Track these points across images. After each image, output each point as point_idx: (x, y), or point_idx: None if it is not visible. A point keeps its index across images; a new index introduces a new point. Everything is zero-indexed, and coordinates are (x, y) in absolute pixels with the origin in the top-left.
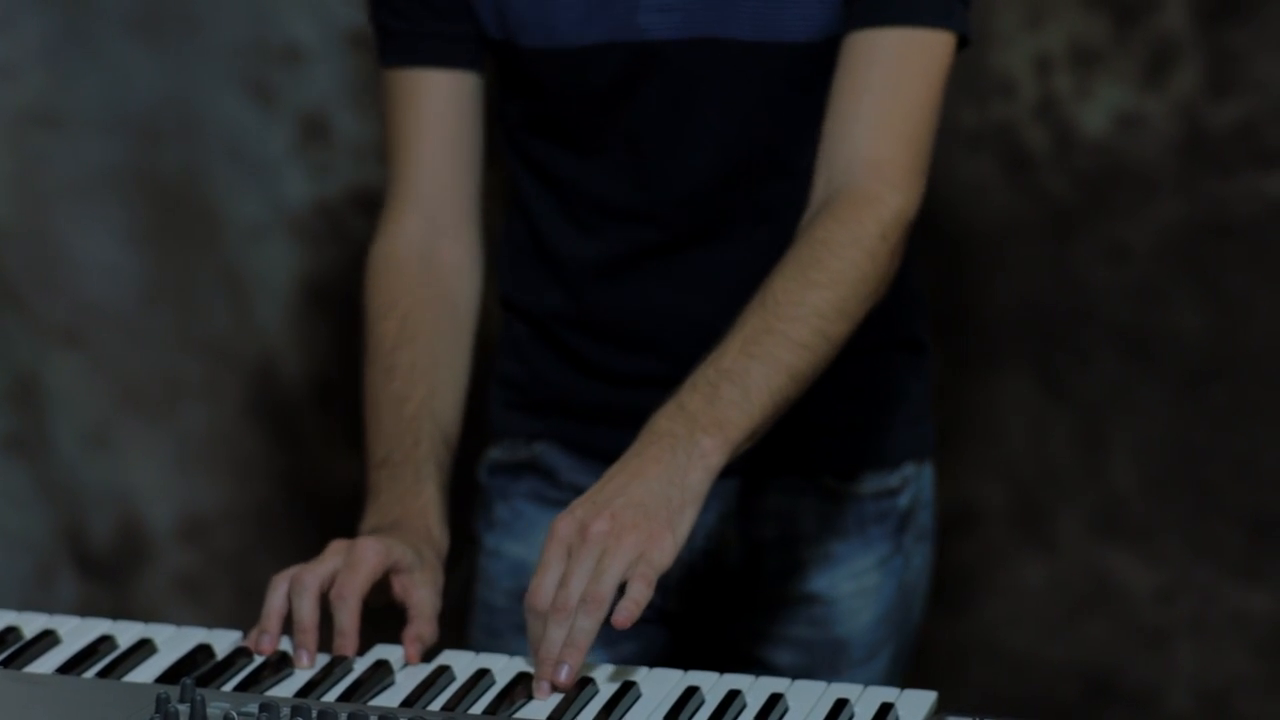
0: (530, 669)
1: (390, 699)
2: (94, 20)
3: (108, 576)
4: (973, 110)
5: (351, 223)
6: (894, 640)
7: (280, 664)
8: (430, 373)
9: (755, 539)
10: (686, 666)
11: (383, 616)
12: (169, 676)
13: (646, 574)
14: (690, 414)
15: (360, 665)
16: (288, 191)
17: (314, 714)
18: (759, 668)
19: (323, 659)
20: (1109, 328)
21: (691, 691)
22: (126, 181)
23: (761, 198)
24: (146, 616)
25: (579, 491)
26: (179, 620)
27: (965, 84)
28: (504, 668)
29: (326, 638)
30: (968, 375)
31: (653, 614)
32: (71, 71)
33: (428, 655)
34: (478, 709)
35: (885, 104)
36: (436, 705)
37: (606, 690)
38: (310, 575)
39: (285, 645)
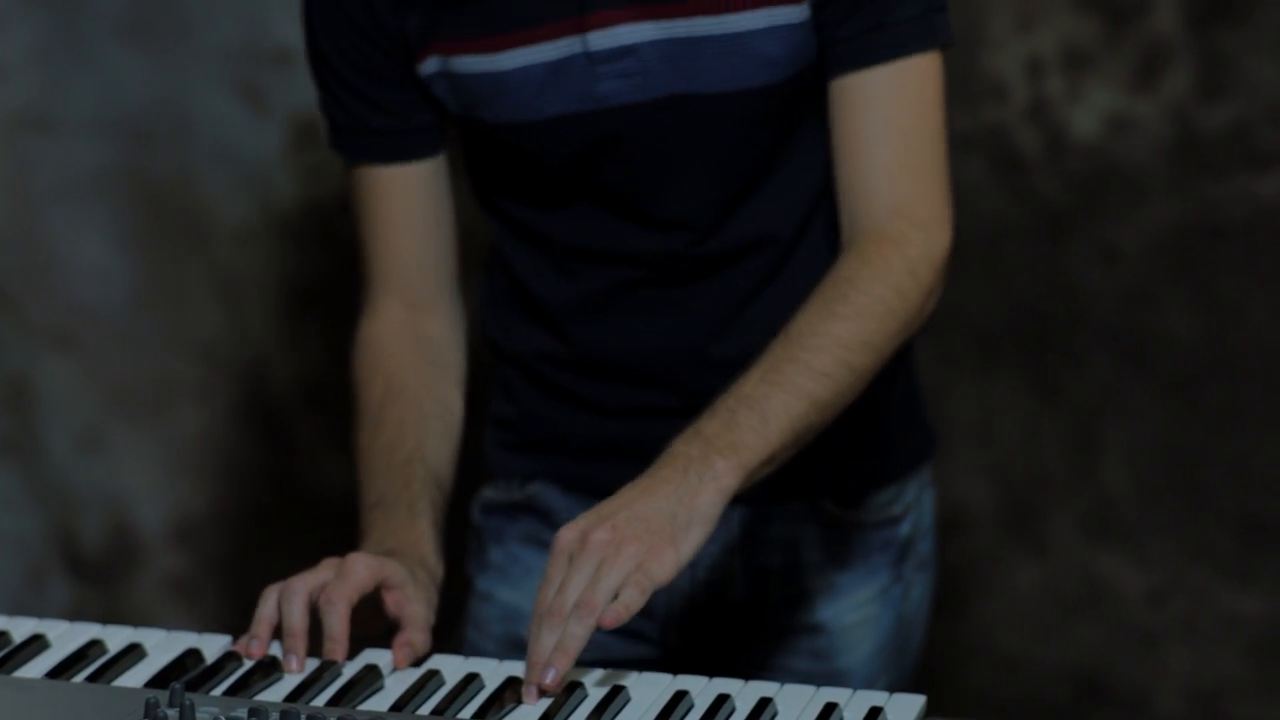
0: (519, 674)
1: (379, 703)
2: (85, 23)
3: (98, 579)
4: (964, 113)
5: (342, 226)
6: (889, 672)
7: (269, 668)
8: (419, 425)
9: (759, 568)
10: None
11: (365, 620)
12: (158, 681)
13: (642, 583)
14: (706, 438)
15: (349, 670)
16: (279, 194)
17: (303, 718)
18: None
19: (312, 663)
20: (1101, 330)
21: (680, 695)
22: (118, 184)
23: (743, 231)
24: (137, 619)
25: None
26: (170, 623)
27: (956, 87)
28: (493, 672)
29: (317, 644)
30: (959, 377)
31: (653, 651)
32: (62, 74)
33: (417, 661)
34: (467, 713)
35: (895, 145)
36: (426, 709)
37: (595, 694)
38: (300, 582)
39: (275, 650)
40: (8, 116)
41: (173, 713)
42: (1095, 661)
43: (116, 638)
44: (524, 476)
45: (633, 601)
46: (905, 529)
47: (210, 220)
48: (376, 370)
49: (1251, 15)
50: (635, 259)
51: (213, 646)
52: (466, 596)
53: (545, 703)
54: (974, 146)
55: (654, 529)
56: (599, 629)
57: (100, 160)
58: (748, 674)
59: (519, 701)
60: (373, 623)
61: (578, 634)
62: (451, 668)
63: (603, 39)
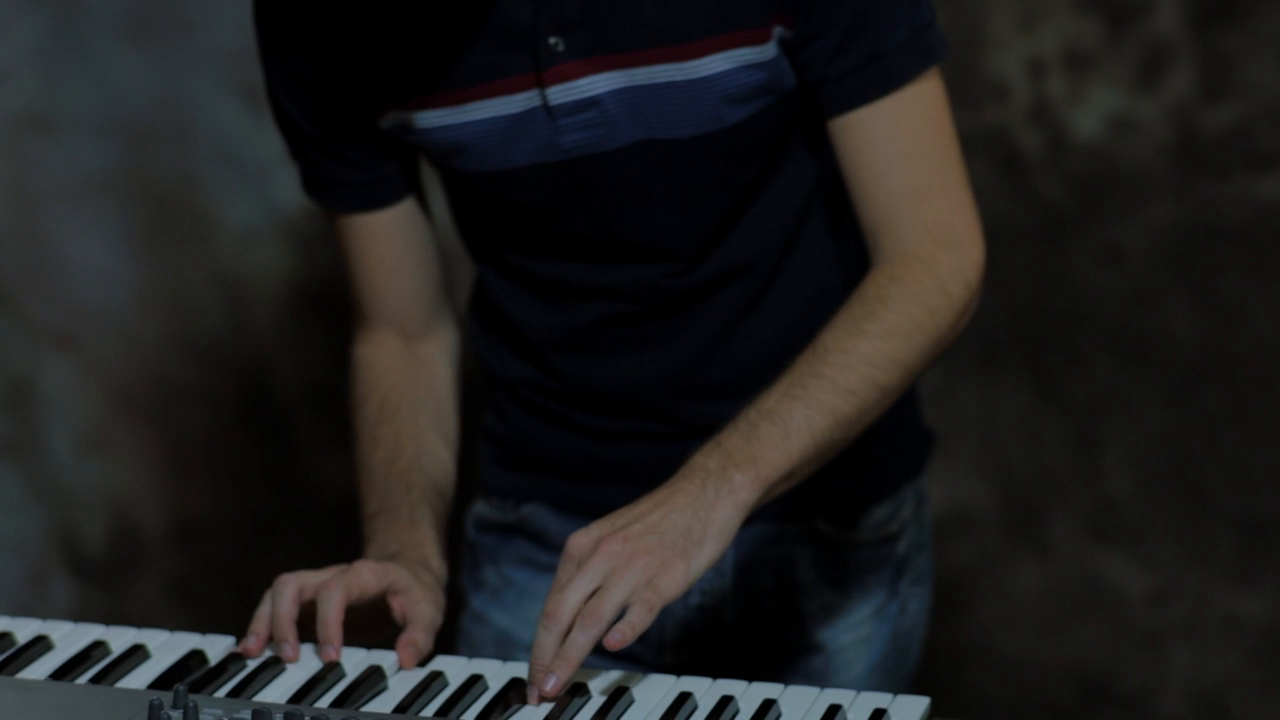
0: (523, 675)
1: (383, 704)
2: (86, 24)
3: (101, 580)
4: (965, 114)
5: None
6: (887, 686)
7: (273, 669)
8: (416, 437)
9: (753, 590)
10: None
11: (374, 627)
12: (162, 682)
13: (650, 600)
14: (726, 451)
15: (353, 671)
16: (280, 195)
17: None
18: None
19: (316, 665)
20: (1102, 330)
21: (684, 697)
22: (119, 185)
23: (725, 260)
24: (140, 620)
25: None
26: (171, 623)
27: (958, 88)
28: (497, 673)
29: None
30: (961, 378)
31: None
32: (64, 75)
33: (421, 662)
34: (470, 715)
35: (910, 172)
36: (429, 711)
37: (600, 696)
38: (295, 575)
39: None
40: (8, 116)
41: (176, 714)
42: (1097, 662)
43: (120, 639)
44: (517, 497)
45: (640, 621)
46: (902, 547)
47: (212, 221)
48: (371, 390)
49: (1253, 16)
50: (616, 293)
51: (217, 647)
52: (459, 610)
53: (548, 705)
54: (975, 147)
55: (667, 542)
56: (601, 651)
57: (102, 161)
58: None
59: (523, 703)
60: (382, 629)
61: (581, 643)
62: (455, 669)
63: (561, 93)
